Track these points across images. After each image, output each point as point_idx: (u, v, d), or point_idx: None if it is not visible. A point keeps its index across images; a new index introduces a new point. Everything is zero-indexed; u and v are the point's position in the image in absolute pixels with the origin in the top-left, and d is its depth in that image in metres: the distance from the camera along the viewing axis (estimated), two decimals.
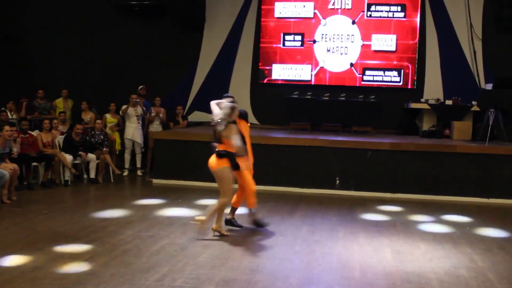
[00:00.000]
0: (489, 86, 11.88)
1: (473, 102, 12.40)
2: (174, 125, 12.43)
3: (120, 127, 12.01)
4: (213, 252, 6.01)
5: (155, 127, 12.10)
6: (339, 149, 10.23)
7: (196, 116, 13.94)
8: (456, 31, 13.38)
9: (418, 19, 13.46)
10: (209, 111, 13.70)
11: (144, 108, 11.81)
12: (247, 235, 6.88)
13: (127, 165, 11.73)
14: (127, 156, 11.72)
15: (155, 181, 10.71)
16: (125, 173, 11.59)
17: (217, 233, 6.77)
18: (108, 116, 11.94)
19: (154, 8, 13.77)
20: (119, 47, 14.11)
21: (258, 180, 10.12)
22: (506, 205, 9.68)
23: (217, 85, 13.95)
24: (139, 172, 11.71)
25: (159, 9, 13.82)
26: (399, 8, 13.49)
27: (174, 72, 13.93)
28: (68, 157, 10.18)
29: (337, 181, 10.15)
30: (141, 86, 12.18)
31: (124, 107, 11.62)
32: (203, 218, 6.74)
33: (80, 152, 10.38)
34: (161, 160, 10.79)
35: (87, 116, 12.08)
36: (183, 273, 5.28)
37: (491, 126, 10.90)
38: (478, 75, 13.19)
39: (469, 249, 6.58)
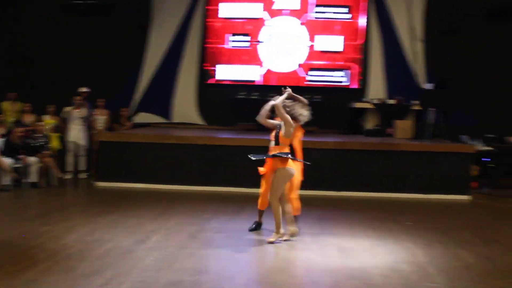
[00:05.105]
0: (430, 86, 12.25)
1: (415, 102, 12.76)
2: (119, 127, 12.26)
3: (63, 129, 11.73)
4: (159, 255, 5.94)
5: (100, 126, 11.91)
6: None
7: (142, 117, 13.80)
8: (399, 33, 13.73)
9: (363, 20, 13.74)
10: (155, 112, 13.89)
11: (89, 110, 11.61)
12: (193, 236, 6.84)
13: (70, 168, 11.46)
14: (70, 159, 11.45)
15: (99, 184, 10.52)
16: (68, 176, 11.34)
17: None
18: (47, 118, 11.61)
19: (99, 7, 13.53)
20: (62, 47, 13.80)
21: (204, 181, 10.23)
22: (445, 200, 9.99)
23: (163, 86, 13.88)
24: (82, 175, 11.48)
25: (104, 8, 13.58)
26: (344, 10, 13.72)
27: (118, 73, 13.69)
28: (8, 161, 9.87)
29: None
30: (84, 88, 11.95)
31: (67, 108, 11.37)
32: (292, 228, 6.80)
33: (20, 156, 10.08)
34: (106, 162, 10.60)
35: (29, 118, 11.75)
36: (129, 276, 5.21)
37: (432, 125, 11.25)
38: (419, 75, 13.57)
39: (411, 244, 6.76)
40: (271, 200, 6.64)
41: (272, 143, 6.80)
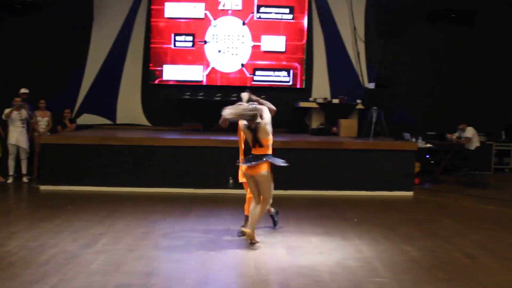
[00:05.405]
0: (371, 85, 12.54)
1: (358, 101, 13.05)
2: (62, 128, 11.98)
3: (2, 135, 11.35)
4: (106, 259, 5.84)
5: (42, 128, 11.59)
6: (232, 148, 10.27)
7: (85, 119, 13.53)
8: (341, 33, 14.01)
9: (305, 21, 13.93)
10: (99, 113, 13.63)
11: (30, 112, 11.29)
12: (141, 239, 6.76)
13: (11, 172, 11.10)
14: (11, 162, 11.08)
15: (42, 187, 10.22)
16: (10, 181, 10.98)
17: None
18: None
19: (38, 5, 13.16)
20: (0, 46, 13.33)
21: (151, 182, 10.12)
22: (390, 197, 10.26)
23: (107, 86, 13.65)
24: (25, 179, 11.13)
25: (43, 7, 13.22)
26: (287, 10, 13.88)
27: (60, 73, 13.37)
28: None
29: (230, 181, 10.22)
30: (24, 89, 11.61)
31: (7, 110, 11.02)
32: (248, 230, 6.53)
33: None
34: (49, 165, 10.31)
35: None
36: (75, 282, 5.10)
37: (374, 123, 11.52)
38: (362, 75, 13.88)
39: (357, 240, 6.91)
40: (266, 203, 6.63)
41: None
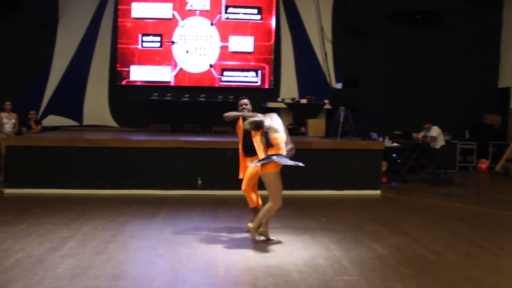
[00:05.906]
0: (339, 86, 12.66)
1: (326, 101, 13.15)
2: (27, 130, 11.76)
3: None
4: (73, 262, 5.76)
5: (9, 130, 11.37)
6: (200, 149, 10.31)
7: (51, 120, 13.33)
8: (309, 34, 14.11)
9: (273, 22, 13.98)
10: (65, 114, 13.42)
11: None
12: (109, 241, 6.69)
13: None
14: None
15: (7, 191, 10.01)
16: None
17: (262, 237, 6.80)
18: None
19: (1, 5, 12.89)
20: None
21: (118, 184, 10.02)
22: (358, 196, 10.36)
23: (73, 87, 13.48)
24: None
25: (7, 6, 12.96)
26: (255, 11, 13.92)
27: (25, 74, 13.15)
28: None
29: (199, 182, 10.21)
30: None
31: None
32: (252, 225, 6.74)
33: None
34: (14, 168, 10.12)
35: None
36: (41, 286, 5.01)
37: (342, 123, 11.63)
38: (329, 75, 14.01)
39: (326, 239, 6.97)
40: (277, 201, 6.78)
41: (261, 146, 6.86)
